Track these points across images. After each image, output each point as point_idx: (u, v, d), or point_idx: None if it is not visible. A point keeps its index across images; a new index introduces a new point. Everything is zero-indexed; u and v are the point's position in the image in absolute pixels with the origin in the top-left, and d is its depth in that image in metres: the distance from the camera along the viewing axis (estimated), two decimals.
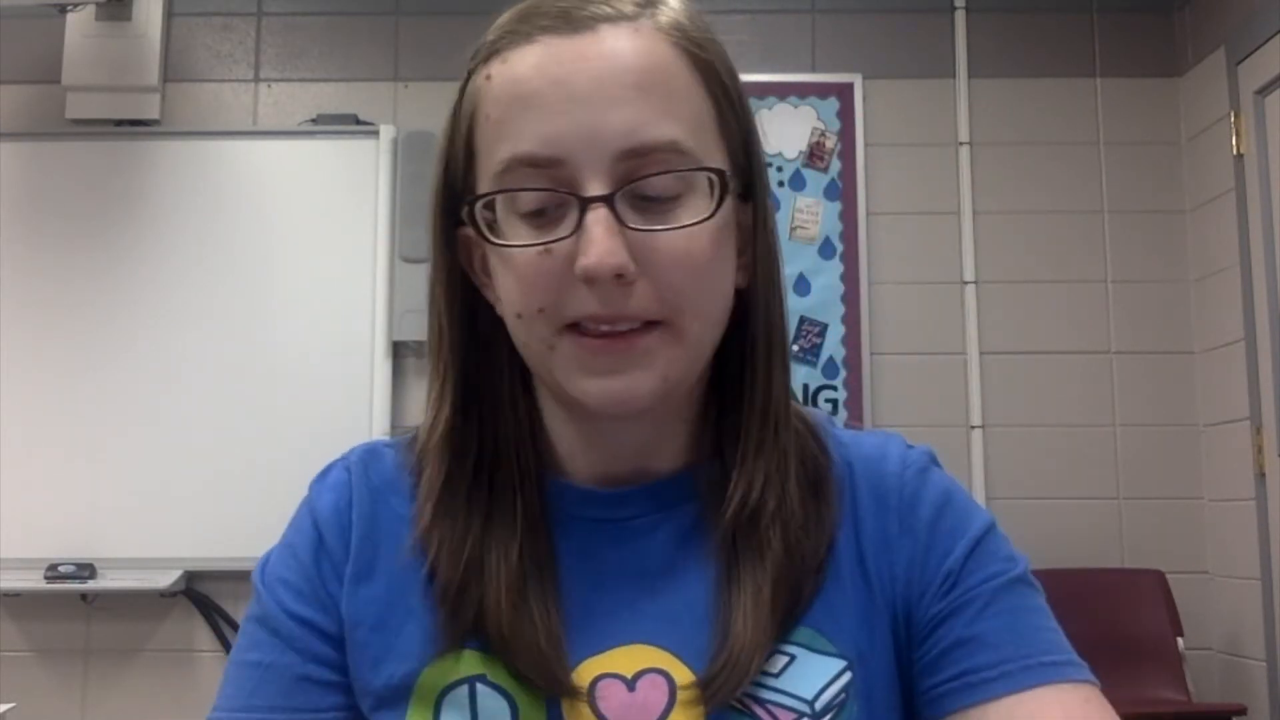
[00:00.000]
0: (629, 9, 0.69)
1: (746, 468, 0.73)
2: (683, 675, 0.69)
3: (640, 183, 0.66)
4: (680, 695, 0.68)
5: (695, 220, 0.67)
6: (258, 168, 3.57)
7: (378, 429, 3.36)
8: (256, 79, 3.70)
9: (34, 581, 3.26)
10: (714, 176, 0.68)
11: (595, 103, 0.65)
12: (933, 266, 3.58)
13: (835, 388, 3.48)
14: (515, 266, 0.67)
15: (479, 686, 0.69)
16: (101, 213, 3.51)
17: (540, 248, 0.66)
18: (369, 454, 0.79)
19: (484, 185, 0.69)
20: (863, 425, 3.42)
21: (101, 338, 3.44)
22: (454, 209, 0.73)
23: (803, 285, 3.51)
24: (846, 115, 3.62)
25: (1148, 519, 3.47)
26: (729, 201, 0.69)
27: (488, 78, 0.70)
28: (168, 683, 3.38)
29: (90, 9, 3.54)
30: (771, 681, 0.69)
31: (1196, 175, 3.57)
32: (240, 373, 3.42)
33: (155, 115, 3.61)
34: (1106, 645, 3.18)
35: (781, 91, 3.60)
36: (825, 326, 3.49)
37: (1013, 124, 3.64)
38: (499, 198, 0.68)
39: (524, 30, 0.69)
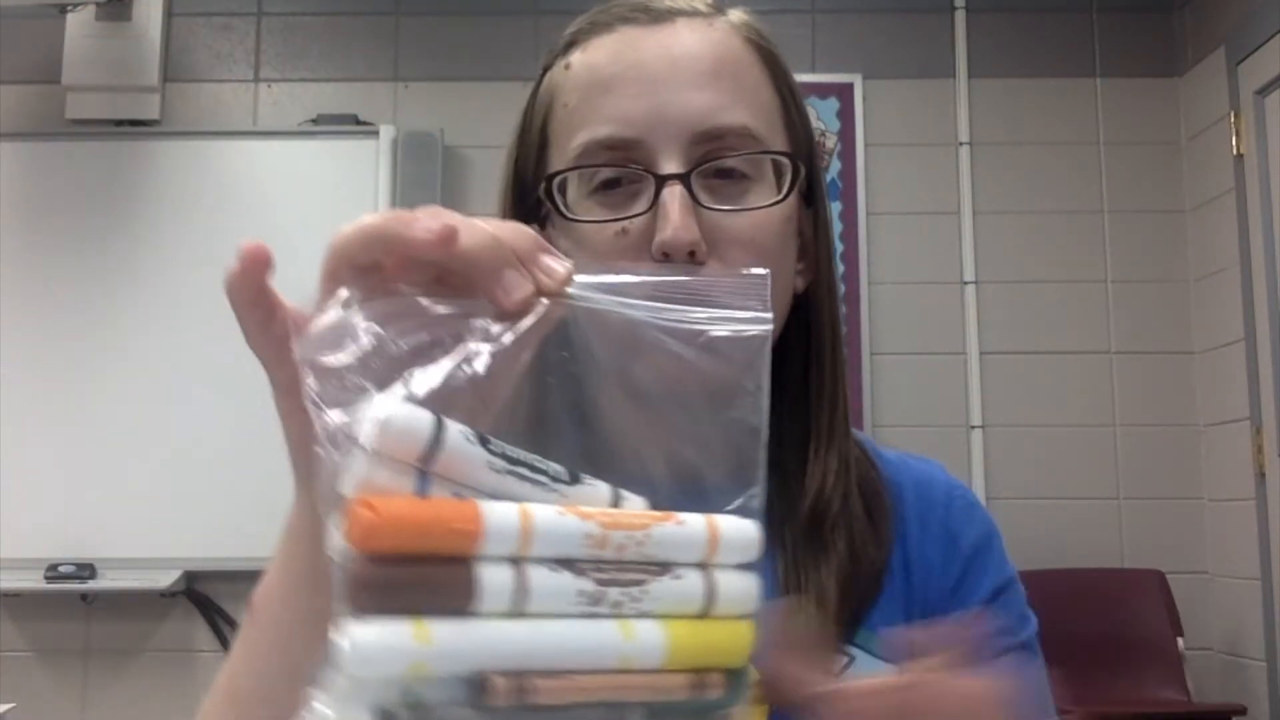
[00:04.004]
0: (703, 7, 0.72)
1: (819, 465, 0.74)
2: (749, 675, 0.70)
3: (715, 163, 0.68)
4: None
5: (767, 203, 0.69)
6: (258, 168, 3.57)
7: None
8: (256, 79, 3.70)
9: (34, 581, 3.26)
10: (787, 160, 0.70)
11: (671, 86, 0.68)
12: (933, 266, 3.58)
13: None
14: (593, 245, 0.68)
15: None
16: (101, 213, 3.51)
17: (617, 227, 0.67)
18: None
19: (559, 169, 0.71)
20: (863, 425, 3.43)
21: (101, 338, 3.44)
22: (524, 200, 0.74)
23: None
24: (846, 115, 3.62)
25: (1148, 519, 3.47)
26: (794, 197, 0.71)
27: (566, 67, 0.72)
28: (168, 683, 3.38)
29: (90, 9, 3.54)
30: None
31: (1196, 175, 3.57)
32: (240, 372, 3.39)
33: (155, 115, 3.61)
34: (1106, 645, 3.18)
35: None
36: None
37: (1013, 124, 3.64)
38: (573, 180, 0.69)
39: (603, 21, 0.71)
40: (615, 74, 0.68)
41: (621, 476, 0.44)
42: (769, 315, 0.47)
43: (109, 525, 3.35)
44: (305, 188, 3.55)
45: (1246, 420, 3.26)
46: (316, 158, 3.59)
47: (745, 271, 0.49)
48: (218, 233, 3.50)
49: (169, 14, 3.67)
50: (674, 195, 0.66)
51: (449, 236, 0.43)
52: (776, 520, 0.74)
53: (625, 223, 0.67)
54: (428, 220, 0.43)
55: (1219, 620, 3.38)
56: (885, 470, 0.79)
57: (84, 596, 3.37)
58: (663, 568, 0.41)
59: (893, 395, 3.51)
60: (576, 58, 0.71)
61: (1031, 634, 0.76)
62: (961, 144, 3.62)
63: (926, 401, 3.51)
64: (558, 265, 0.45)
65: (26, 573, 3.27)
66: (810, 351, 0.75)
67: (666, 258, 0.66)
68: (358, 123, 3.60)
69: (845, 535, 0.73)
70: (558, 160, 0.71)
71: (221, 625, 3.39)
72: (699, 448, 0.47)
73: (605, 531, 0.40)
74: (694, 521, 0.42)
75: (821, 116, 3.61)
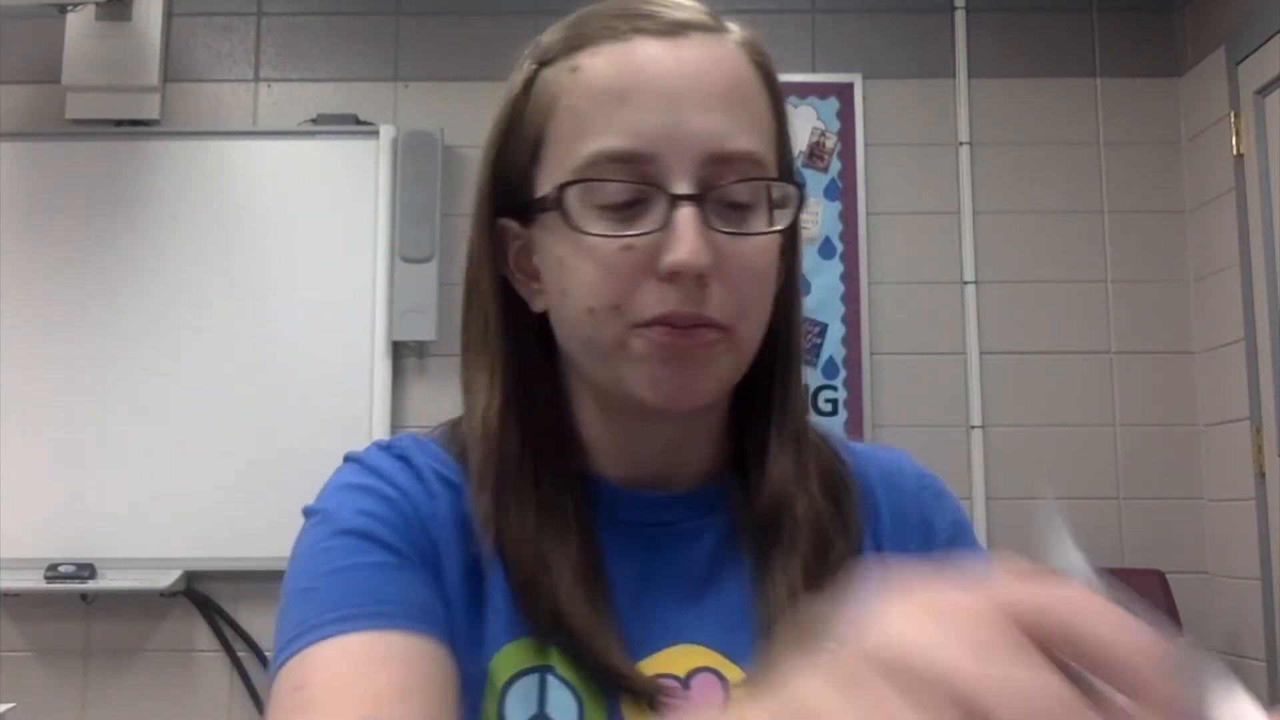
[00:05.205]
0: (709, 20, 0.71)
1: (775, 468, 0.74)
2: (733, 674, 0.70)
3: (727, 188, 0.67)
4: (733, 693, 0.69)
5: (774, 229, 0.70)
6: (258, 168, 3.57)
7: (378, 429, 3.36)
8: (256, 79, 3.70)
9: (34, 581, 3.26)
10: (794, 190, 0.71)
11: (688, 105, 0.67)
12: (933, 266, 3.58)
13: (835, 388, 3.48)
14: (596, 259, 0.68)
15: (549, 678, 0.68)
16: (101, 213, 3.51)
17: (622, 242, 0.67)
18: (418, 444, 0.76)
19: (555, 175, 0.69)
20: (863, 425, 3.43)
21: (101, 338, 3.44)
22: (506, 199, 0.73)
23: (803, 285, 3.50)
24: (846, 115, 3.62)
25: (1148, 519, 3.47)
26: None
27: (574, 70, 0.70)
28: (168, 683, 3.38)
29: (90, 9, 3.54)
30: None
31: (1196, 175, 3.57)
32: (240, 372, 3.42)
33: (155, 115, 3.61)
34: None
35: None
36: (825, 326, 3.49)
37: (1013, 124, 3.64)
38: (576, 189, 0.68)
39: (617, 28, 0.70)
40: (630, 85, 0.67)
41: None
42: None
43: (109, 525, 3.35)
44: (305, 188, 3.55)
45: (1246, 420, 3.26)
46: (316, 158, 3.59)
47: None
48: (218, 232, 3.51)
49: (169, 14, 3.67)
50: (688, 217, 0.66)
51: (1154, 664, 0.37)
52: (747, 525, 0.75)
53: (631, 239, 0.67)
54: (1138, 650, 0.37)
55: (1219, 620, 3.38)
56: (853, 462, 0.79)
57: (84, 596, 3.37)
58: None
59: (893, 395, 3.51)
60: (586, 61, 0.70)
61: None
62: (961, 144, 3.62)
63: (926, 401, 3.51)
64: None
65: (26, 573, 3.27)
66: (770, 358, 0.76)
67: (673, 277, 0.66)
68: (358, 123, 3.60)
69: (809, 533, 0.73)
70: (557, 163, 0.70)
71: (221, 625, 3.39)
72: None
73: None
74: None
75: (821, 116, 3.61)
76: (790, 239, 0.76)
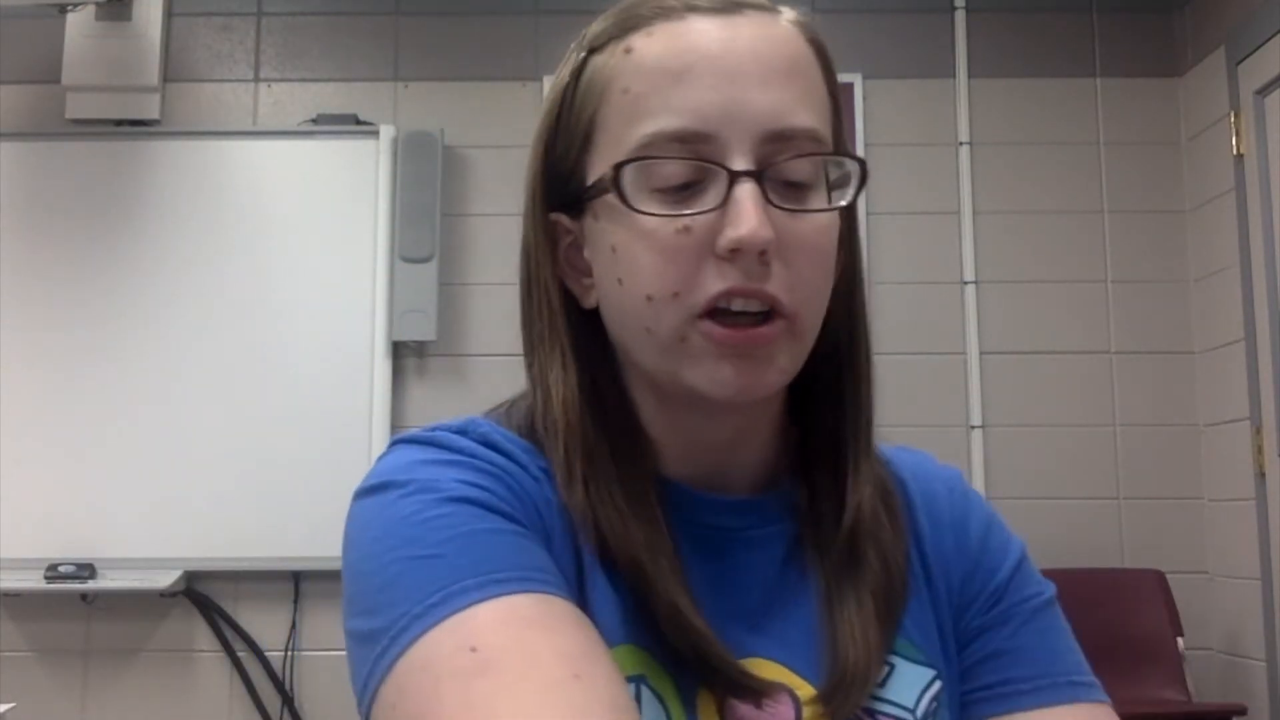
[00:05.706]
0: (765, 2, 0.70)
1: (858, 484, 0.73)
2: (804, 690, 0.69)
3: (786, 164, 0.66)
4: (805, 711, 0.68)
5: (833, 206, 0.68)
6: (258, 168, 3.57)
7: (378, 429, 3.36)
8: (256, 79, 3.70)
9: (34, 581, 3.26)
10: (853, 164, 0.69)
11: (746, 82, 0.66)
12: (933, 266, 3.58)
13: None
14: (653, 243, 0.66)
15: (642, 688, 0.66)
16: (101, 213, 3.51)
17: (679, 224, 0.65)
18: (495, 429, 0.72)
19: (609, 160, 0.67)
20: None
21: (101, 338, 3.44)
22: (557, 192, 0.72)
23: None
24: (847, 115, 3.61)
25: (1148, 519, 3.47)
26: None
27: (627, 51, 0.68)
28: (168, 683, 3.38)
29: (90, 9, 3.54)
30: (878, 691, 0.70)
31: (1196, 175, 3.57)
32: (240, 373, 3.42)
33: (155, 115, 3.61)
34: (1106, 645, 3.18)
35: None
36: None
37: (1013, 124, 3.64)
38: (631, 169, 0.66)
39: (671, 6, 0.68)
40: (687, 64, 0.66)
41: None
42: None
43: (109, 525, 3.35)
44: (305, 188, 3.55)
45: (1246, 420, 3.26)
46: (316, 158, 3.59)
47: None
48: (217, 232, 3.51)
49: (169, 14, 3.67)
50: (748, 193, 0.64)
51: None
52: (812, 532, 0.74)
53: (689, 220, 0.65)
54: None
55: (1219, 620, 3.38)
56: (887, 468, 0.79)
57: (84, 596, 3.37)
58: None
59: (893, 395, 3.50)
60: (639, 42, 0.67)
61: (1053, 592, 0.78)
62: (961, 144, 3.62)
63: (926, 401, 3.51)
64: None
65: (26, 573, 3.27)
66: (839, 356, 0.74)
67: (734, 255, 0.64)
68: (358, 123, 3.60)
69: (875, 547, 0.72)
70: (610, 147, 0.68)
71: (221, 625, 3.39)
72: None
73: None
74: None
75: None
76: (849, 224, 0.73)
